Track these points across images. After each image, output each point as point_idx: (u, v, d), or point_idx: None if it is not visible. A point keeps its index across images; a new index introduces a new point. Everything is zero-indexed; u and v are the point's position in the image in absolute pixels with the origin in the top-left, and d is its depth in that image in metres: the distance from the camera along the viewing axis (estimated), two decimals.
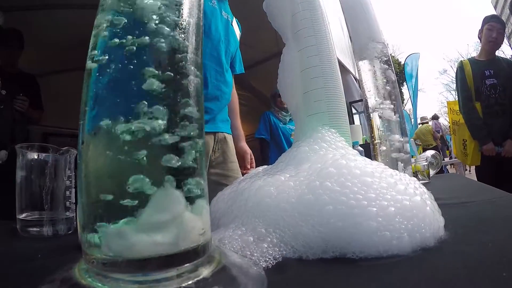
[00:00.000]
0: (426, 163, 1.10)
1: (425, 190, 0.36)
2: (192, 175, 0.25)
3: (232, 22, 1.19)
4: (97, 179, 0.24)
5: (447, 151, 5.92)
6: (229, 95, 1.14)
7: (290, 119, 2.33)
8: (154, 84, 0.23)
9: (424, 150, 5.94)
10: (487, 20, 2.02)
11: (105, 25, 0.25)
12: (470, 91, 1.96)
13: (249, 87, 3.59)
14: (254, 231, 0.33)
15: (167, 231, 0.22)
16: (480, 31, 2.04)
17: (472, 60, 2.05)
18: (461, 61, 2.06)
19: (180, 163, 0.23)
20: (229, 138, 1.16)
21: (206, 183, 0.27)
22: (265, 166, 0.58)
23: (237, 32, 1.24)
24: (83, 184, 0.24)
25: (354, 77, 3.43)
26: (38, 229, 0.58)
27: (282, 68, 0.49)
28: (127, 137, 0.22)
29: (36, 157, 0.61)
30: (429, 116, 7.11)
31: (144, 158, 0.22)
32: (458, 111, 2.06)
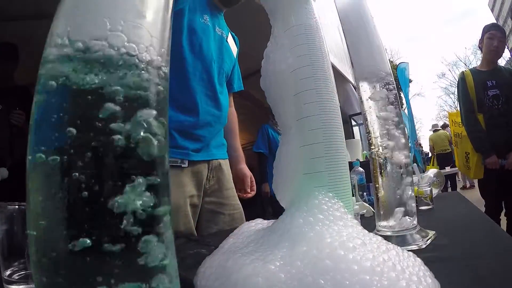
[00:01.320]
0: (429, 188, 1.07)
1: (430, 278, 0.32)
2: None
3: (227, 38, 1.12)
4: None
5: None
6: (224, 118, 1.09)
7: None
8: None
9: (439, 155, 6.12)
10: (487, 29, 1.98)
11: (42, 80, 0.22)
12: (472, 102, 1.92)
13: (248, 96, 3.55)
14: None
15: None
16: (481, 41, 2.00)
17: (473, 71, 2.01)
18: (463, 72, 2.02)
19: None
20: (225, 163, 1.11)
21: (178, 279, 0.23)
22: (258, 222, 0.54)
23: (234, 49, 1.17)
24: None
25: (353, 86, 3.39)
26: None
27: (278, 166, 0.44)
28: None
29: (16, 207, 0.58)
30: (435, 123, 7.66)
31: None
32: (460, 123, 2.02)
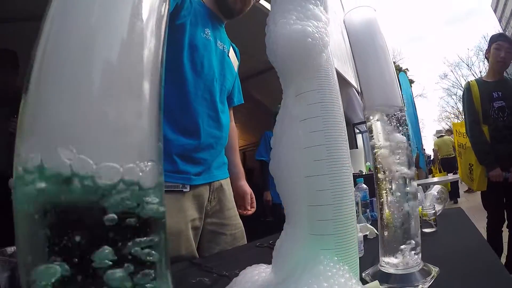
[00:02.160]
0: (433, 211, 1.05)
1: None
2: None
3: (228, 52, 1.09)
4: None
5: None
6: (225, 139, 1.07)
7: None
8: None
9: (443, 159, 6.16)
10: (495, 39, 1.95)
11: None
12: (478, 113, 1.90)
13: (250, 97, 3.53)
14: None
15: None
16: (487, 51, 1.97)
17: (479, 81, 1.98)
18: (469, 82, 2.00)
19: None
20: (226, 183, 1.10)
21: None
22: (261, 270, 0.53)
23: (235, 63, 1.14)
24: None
25: (356, 90, 3.34)
26: None
27: (286, 228, 0.43)
28: None
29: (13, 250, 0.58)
30: (439, 129, 8.06)
31: None
32: (464, 133, 2.00)
